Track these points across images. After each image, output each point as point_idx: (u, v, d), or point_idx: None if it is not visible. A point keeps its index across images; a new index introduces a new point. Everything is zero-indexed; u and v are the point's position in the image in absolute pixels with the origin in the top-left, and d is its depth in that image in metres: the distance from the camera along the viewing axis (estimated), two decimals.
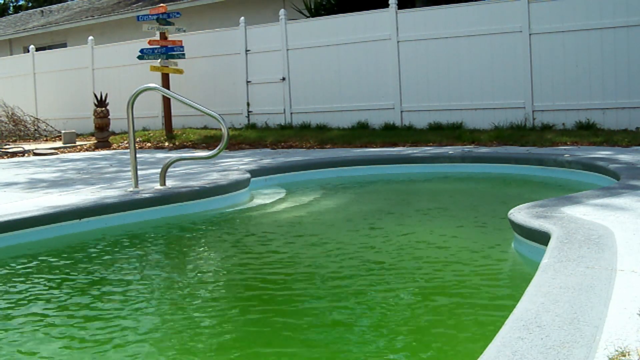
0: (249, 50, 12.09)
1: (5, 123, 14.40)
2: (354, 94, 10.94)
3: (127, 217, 4.94)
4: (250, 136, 10.69)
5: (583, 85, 9.05)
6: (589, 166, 5.94)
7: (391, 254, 3.95)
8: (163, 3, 13.59)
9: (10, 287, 3.51)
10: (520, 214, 3.66)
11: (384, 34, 10.52)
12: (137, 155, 6.59)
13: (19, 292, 3.40)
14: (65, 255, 4.17)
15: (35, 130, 14.55)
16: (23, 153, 10.95)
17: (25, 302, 3.23)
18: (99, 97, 11.80)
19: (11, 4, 36.32)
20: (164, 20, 11.34)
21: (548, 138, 8.10)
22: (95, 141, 11.66)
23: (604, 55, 8.88)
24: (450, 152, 7.35)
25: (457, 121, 9.91)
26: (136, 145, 7.59)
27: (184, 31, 11.83)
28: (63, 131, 12.62)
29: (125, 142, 11.72)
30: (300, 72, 11.50)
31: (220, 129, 5.96)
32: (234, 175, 6.06)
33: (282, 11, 11.65)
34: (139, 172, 6.37)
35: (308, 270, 3.69)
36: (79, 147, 11.56)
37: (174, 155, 8.16)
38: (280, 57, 11.67)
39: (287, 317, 2.88)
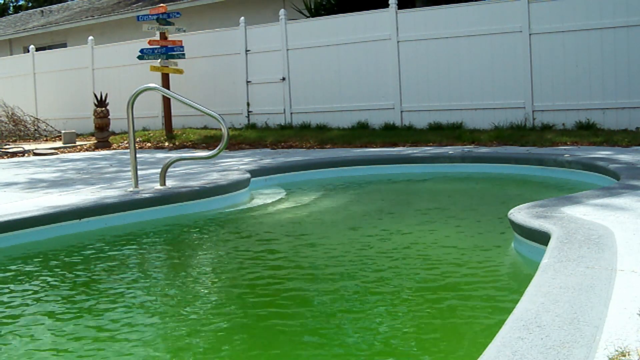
0: (249, 50, 12.09)
1: (5, 123, 14.40)
2: (354, 94, 10.94)
3: (127, 217, 4.95)
4: (250, 136, 10.69)
5: (583, 85, 9.05)
6: (589, 166, 5.94)
7: (391, 254, 3.95)
8: (163, 3, 13.60)
9: (10, 287, 3.51)
10: (520, 214, 3.66)
11: (384, 34, 10.52)
12: (137, 155, 6.59)
13: (19, 292, 3.40)
14: (65, 256, 4.18)
15: (35, 130, 14.56)
16: (23, 153, 10.95)
17: (26, 302, 3.23)
18: (99, 97, 11.81)
19: (11, 4, 36.33)
20: (164, 20, 11.35)
21: (548, 138, 8.10)
22: (95, 141, 11.66)
23: (604, 55, 8.88)
24: (450, 152, 7.35)
25: (457, 121, 9.91)
26: (136, 145, 7.58)
27: (184, 31, 11.83)
28: (63, 131, 12.62)
29: (125, 142, 11.72)
30: (300, 72, 11.50)
31: (220, 129, 5.96)
32: (234, 175, 6.06)
33: (282, 11, 11.65)
34: (139, 172, 6.37)
35: (308, 270, 3.69)
36: (79, 147, 11.56)
37: (174, 155, 8.16)
38: (280, 57, 11.67)
39: (287, 318, 2.89)
